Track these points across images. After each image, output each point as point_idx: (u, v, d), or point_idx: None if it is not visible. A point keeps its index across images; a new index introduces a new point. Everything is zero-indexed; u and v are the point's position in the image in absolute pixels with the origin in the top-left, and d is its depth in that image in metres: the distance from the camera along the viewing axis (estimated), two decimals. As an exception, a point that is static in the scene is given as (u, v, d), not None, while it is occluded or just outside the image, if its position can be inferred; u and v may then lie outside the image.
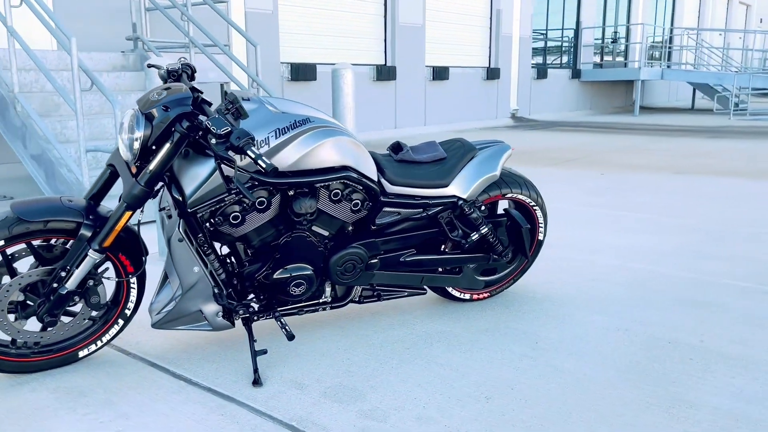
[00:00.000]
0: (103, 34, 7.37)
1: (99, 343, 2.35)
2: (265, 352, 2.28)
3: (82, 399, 2.11)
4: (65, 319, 2.41)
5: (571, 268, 3.50)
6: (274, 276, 2.37)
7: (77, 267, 2.12)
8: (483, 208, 2.77)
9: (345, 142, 2.35)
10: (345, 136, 2.36)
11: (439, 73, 12.86)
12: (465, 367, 2.34)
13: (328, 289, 2.55)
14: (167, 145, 2.06)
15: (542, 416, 2.01)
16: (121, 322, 2.37)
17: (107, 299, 2.30)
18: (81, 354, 2.33)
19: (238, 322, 2.68)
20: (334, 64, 10.71)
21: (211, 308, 2.31)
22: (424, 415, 2.02)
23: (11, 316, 2.19)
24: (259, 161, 1.92)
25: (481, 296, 2.97)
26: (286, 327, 2.29)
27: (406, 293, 2.73)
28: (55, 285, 2.12)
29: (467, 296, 2.94)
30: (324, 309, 2.56)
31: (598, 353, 2.46)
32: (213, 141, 1.97)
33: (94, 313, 2.30)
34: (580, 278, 3.33)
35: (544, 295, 3.08)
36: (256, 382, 2.20)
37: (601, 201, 5.32)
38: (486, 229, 2.69)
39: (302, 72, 9.97)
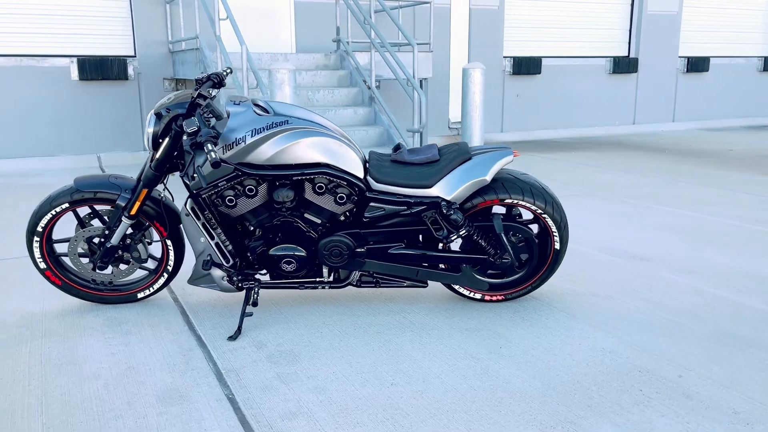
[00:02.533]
0: (320, 36, 8.43)
1: (151, 290, 3.05)
2: (251, 314, 2.75)
3: (116, 326, 2.81)
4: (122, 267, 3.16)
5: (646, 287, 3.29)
6: (269, 253, 2.81)
7: (116, 228, 2.83)
8: (479, 210, 2.84)
9: (322, 142, 2.67)
10: (323, 137, 2.68)
11: (696, 64, 11.68)
12: (408, 358, 2.51)
13: (325, 271, 2.90)
14: (167, 139, 2.64)
15: (430, 411, 2.14)
16: (165, 275, 3.04)
17: (147, 255, 2.97)
18: (139, 295, 3.06)
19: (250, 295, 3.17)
20: (562, 57, 10.50)
21: (218, 272, 2.85)
22: (324, 387, 2.29)
23: (84, 260, 2.99)
24: (209, 154, 2.38)
25: (494, 298, 3.02)
26: (256, 296, 2.74)
27: (405, 284, 2.94)
28: (103, 240, 2.86)
29: (478, 296, 3.02)
30: (324, 288, 2.92)
31: (553, 369, 2.41)
32: (185, 137, 2.49)
33: (142, 265, 3.00)
34: (631, 296, 3.14)
35: (566, 306, 3.00)
36: (231, 337, 2.68)
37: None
38: (465, 231, 2.77)
39: (525, 66, 10.00)
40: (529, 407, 2.15)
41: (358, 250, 2.82)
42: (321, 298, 3.14)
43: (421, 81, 8.00)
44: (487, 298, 3.03)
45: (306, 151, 2.66)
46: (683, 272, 3.50)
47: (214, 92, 2.89)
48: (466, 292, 3.02)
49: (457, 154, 2.79)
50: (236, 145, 2.60)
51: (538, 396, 2.22)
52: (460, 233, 2.77)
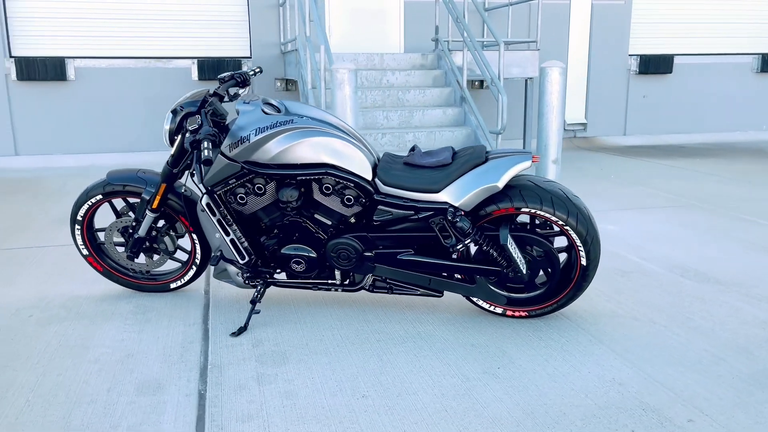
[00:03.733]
0: (427, 36, 8.34)
1: (182, 281, 3.18)
2: (258, 312, 2.78)
3: (140, 314, 2.95)
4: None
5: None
6: (280, 252, 2.82)
7: (143, 220, 2.97)
8: (494, 219, 2.64)
9: (326, 142, 2.62)
10: (328, 137, 2.63)
11: None
12: (395, 370, 2.40)
13: (338, 273, 2.85)
14: (180, 136, 2.72)
15: (386, 428, 2.03)
16: (194, 268, 3.14)
17: (174, 247, 3.08)
18: (172, 286, 3.19)
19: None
20: (697, 54, 9.62)
21: (232, 269, 2.90)
22: (294, 392, 2.24)
23: (120, 249, 3.17)
24: (203, 152, 2.42)
25: (516, 314, 2.81)
26: (258, 295, 2.75)
27: (418, 292, 2.82)
28: (131, 231, 3.01)
29: (499, 310, 2.83)
30: (336, 290, 2.88)
31: (544, 397, 2.20)
32: (187, 134, 2.55)
33: (174, 257, 3.12)
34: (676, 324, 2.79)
35: (595, 328, 2.72)
36: (234, 333, 2.71)
37: None
38: (471, 240, 2.59)
39: (653, 64, 9.30)
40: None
41: (366, 254, 2.74)
42: (338, 301, 3.09)
43: (526, 80, 7.68)
44: (509, 313, 2.82)
45: (309, 150, 2.62)
46: (755, 300, 3.04)
47: (239, 91, 2.93)
48: (486, 306, 2.84)
49: (470, 158, 2.62)
50: (241, 143, 2.62)
51: (509, 425, 2.03)
52: (466, 242, 2.60)
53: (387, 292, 2.84)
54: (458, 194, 2.58)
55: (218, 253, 2.84)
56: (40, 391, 2.26)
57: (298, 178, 2.66)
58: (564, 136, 9.33)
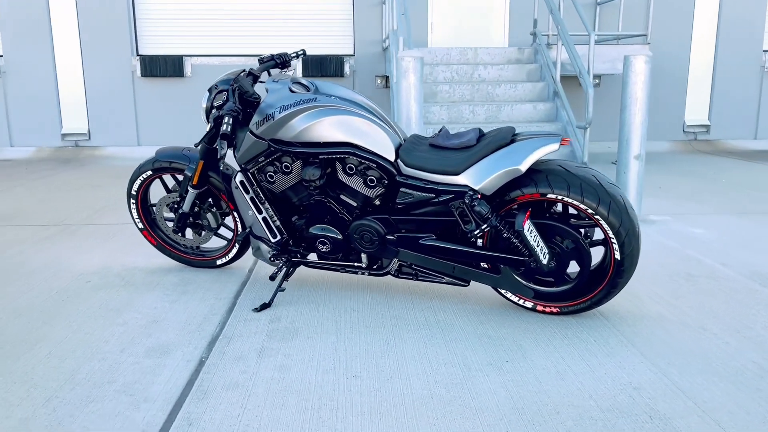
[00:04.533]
0: (529, 31, 8.05)
1: (227, 258, 3.28)
2: (283, 290, 2.81)
3: (182, 286, 3.08)
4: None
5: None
6: (308, 231, 2.83)
7: (186, 196, 3.09)
8: (519, 205, 2.49)
9: (348, 121, 2.59)
10: (350, 116, 2.60)
11: None
12: (398, 355, 2.32)
13: (364, 256, 2.82)
14: (213, 113, 2.81)
15: (363, 409, 1.97)
16: (237, 245, 3.23)
17: (217, 224, 3.18)
18: (218, 262, 3.31)
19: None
20: None
21: (264, 246, 2.95)
22: (287, 367, 2.24)
23: (170, 224, 3.32)
24: (223, 126, 2.48)
25: (547, 309, 2.64)
26: (286, 275, 2.77)
27: (444, 280, 2.72)
28: (176, 207, 3.15)
29: (529, 305, 2.66)
30: (363, 273, 2.85)
31: (542, 394, 2.04)
32: (213, 110, 2.63)
33: (223, 234, 3.23)
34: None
35: (630, 330, 2.49)
36: (256, 309, 2.75)
37: None
38: (487, 226, 2.44)
39: (791, 61, 8.41)
40: (470, 426, 1.84)
41: (388, 237, 2.68)
42: (368, 286, 3.05)
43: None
44: (539, 308, 2.65)
45: (330, 129, 2.61)
46: (838, 313, 2.64)
47: (286, 72, 2.98)
48: (515, 299, 2.68)
49: (494, 140, 2.49)
50: (267, 120, 2.66)
51: (491, 417, 1.89)
52: (483, 227, 2.47)
53: (413, 279, 2.76)
54: (478, 177, 2.46)
55: (247, 230, 2.90)
56: (64, 346, 2.42)
57: (321, 157, 2.65)
58: (682, 138, 8.66)
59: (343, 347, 2.39)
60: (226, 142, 2.48)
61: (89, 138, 8.38)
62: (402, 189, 2.61)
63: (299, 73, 8.29)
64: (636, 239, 2.43)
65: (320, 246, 2.81)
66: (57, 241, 3.90)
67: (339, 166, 2.70)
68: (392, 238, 2.68)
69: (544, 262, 2.45)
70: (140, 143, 8.42)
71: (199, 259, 3.32)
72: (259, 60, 2.93)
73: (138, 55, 8.30)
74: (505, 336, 2.47)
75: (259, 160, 2.77)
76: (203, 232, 3.28)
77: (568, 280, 2.58)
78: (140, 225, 3.32)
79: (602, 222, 2.41)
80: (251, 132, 2.72)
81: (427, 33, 8.25)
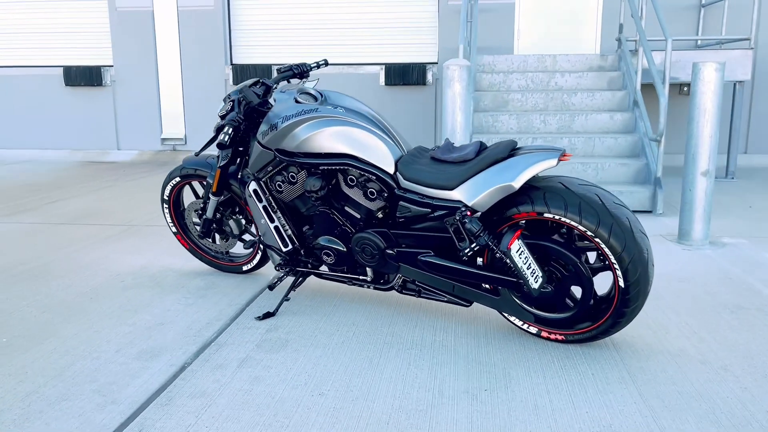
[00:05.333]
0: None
1: (251, 265, 3.33)
2: (288, 299, 2.82)
3: (204, 290, 3.16)
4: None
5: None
6: (315, 242, 2.82)
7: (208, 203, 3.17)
8: (515, 223, 2.33)
9: (347, 132, 2.55)
10: (349, 127, 2.55)
11: None
12: (376, 376, 2.24)
13: (369, 270, 2.76)
14: (218, 122, 2.86)
15: (316, 428, 1.93)
16: (260, 253, 3.28)
17: (239, 230, 3.23)
18: (244, 268, 3.37)
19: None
20: None
21: (276, 256, 2.97)
22: (260, 378, 2.23)
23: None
24: (219, 136, 2.52)
25: (552, 336, 2.46)
26: (294, 286, 2.77)
27: (445, 298, 2.62)
28: (201, 213, 3.24)
29: (533, 330, 2.50)
30: (369, 287, 2.79)
31: (497, 429, 1.90)
32: (219, 120, 2.67)
33: (240, 238, 3.28)
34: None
35: (638, 366, 2.27)
36: (260, 316, 2.77)
37: None
38: (477, 245, 2.30)
39: None
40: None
41: (388, 251, 2.61)
42: (379, 301, 2.98)
43: (735, 84, 6.64)
44: (543, 334, 2.47)
45: (330, 140, 2.57)
46: None
47: (306, 82, 3.00)
48: (519, 323, 2.52)
49: (490, 154, 2.35)
50: (271, 130, 2.67)
51: (438, 451, 1.78)
52: (472, 246, 2.34)
53: (415, 295, 2.67)
54: (472, 193, 2.33)
55: (255, 239, 2.92)
56: (69, 343, 2.54)
57: (321, 167, 2.62)
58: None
59: (324, 363, 2.34)
60: (228, 150, 2.51)
61: (185, 143, 8.85)
62: (400, 203, 2.53)
63: (382, 81, 8.33)
64: (643, 266, 2.21)
65: (325, 257, 2.78)
66: (115, 240, 4.14)
67: (341, 178, 2.66)
68: (392, 252, 2.60)
69: (534, 286, 2.28)
70: (230, 148, 8.78)
71: (227, 264, 3.39)
72: (277, 70, 2.96)
73: (232, 64, 8.68)
74: (496, 362, 2.32)
75: (268, 169, 2.78)
76: (229, 238, 3.35)
77: (569, 307, 2.39)
78: (173, 229, 3.44)
79: (602, 245, 2.21)
80: (258, 141, 2.74)
81: (513, 40, 8.03)
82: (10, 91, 9.00)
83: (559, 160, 2.25)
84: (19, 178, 6.93)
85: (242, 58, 8.69)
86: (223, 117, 2.73)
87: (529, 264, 2.27)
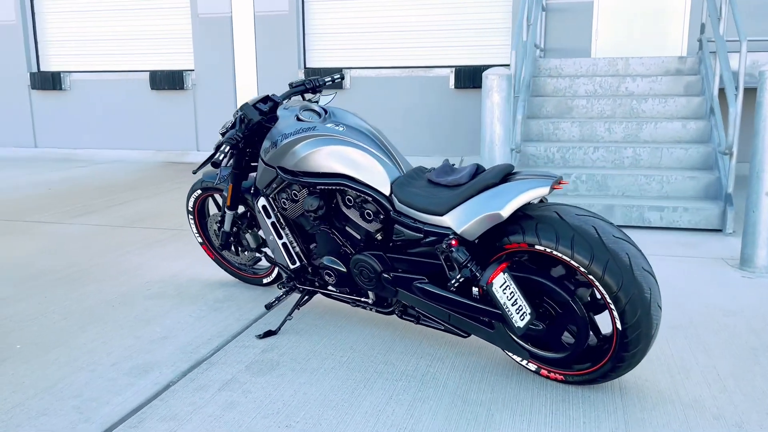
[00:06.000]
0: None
1: (270, 278, 3.32)
2: (290, 318, 2.78)
3: (220, 303, 3.18)
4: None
5: None
6: (318, 261, 2.76)
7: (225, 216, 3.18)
8: (507, 255, 2.16)
9: (343, 152, 2.46)
10: (346, 146, 2.46)
11: None
12: (351, 409, 2.16)
13: (371, 293, 2.68)
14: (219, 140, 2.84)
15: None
16: (277, 269, 3.26)
17: (256, 244, 3.22)
18: (264, 281, 3.37)
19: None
20: None
21: (283, 272, 2.93)
22: (234, 404, 2.19)
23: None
24: (219, 154, 2.51)
25: (551, 375, 2.28)
26: (299, 305, 2.73)
27: (442, 327, 2.49)
28: (219, 225, 3.25)
29: (533, 367, 2.32)
30: (371, 310, 2.70)
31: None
32: (219, 137, 2.66)
33: (258, 251, 3.28)
34: None
35: (640, 416, 2.05)
36: (260, 335, 2.75)
37: None
38: (461, 276, 2.14)
39: None
40: None
41: (384, 275, 2.51)
42: (385, 324, 2.88)
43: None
44: (543, 372, 2.29)
45: (327, 159, 2.50)
46: None
47: (316, 97, 2.95)
48: (518, 359, 2.36)
49: (483, 179, 2.20)
50: (272, 148, 2.64)
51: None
52: (457, 277, 2.19)
53: (414, 322, 2.56)
54: (462, 220, 2.19)
55: (260, 255, 2.89)
56: (73, 353, 2.61)
57: (318, 187, 2.56)
58: None
59: (305, 390, 2.28)
60: (215, 168, 2.50)
61: (259, 145, 9.06)
62: (395, 226, 2.43)
63: (451, 84, 8.16)
64: (644, 308, 1.99)
65: (327, 277, 2.71)
66: (161, 245, 4.26)
67: (339, 198, 2.58)
68: (388, 276, 2.50)
69: (519, 324, 2.10)
70: (301, 151, 8.90)
71: (249, 276, 3.40)
72: (289, 85, 2.92)
73: (305, 67, 8.79)
74: (482, 402, 2.17)
75: (273, 186, 2.75)
76: (247, 251, 3.35)
77: (565, 347, 2.19)
78: (199, 239, 3.49)
79: (597, 283, 2.01)
80: (261, 158, 2.71)
81: (590, 42, 7.64)
82: (102, 95, 9.55)
83: (553, 188, 2.07)
84: (101, 178, 7.32)
85: (315, 61, 8.78)
86: (224, 135, 2.72)
87: (515, 300, 2.10)
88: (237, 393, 2.27)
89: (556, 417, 2.07)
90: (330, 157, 2.49)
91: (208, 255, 3.50)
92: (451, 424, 2.03)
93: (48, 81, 9.68)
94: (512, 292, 2.09)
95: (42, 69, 9.91)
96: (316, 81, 2.93)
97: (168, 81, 9.11)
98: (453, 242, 2.18)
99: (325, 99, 3.00)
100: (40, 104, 9.89)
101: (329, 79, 2.98)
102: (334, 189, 2.57)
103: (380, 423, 2.05)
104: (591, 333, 2.23)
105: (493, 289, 2.08)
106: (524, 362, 2.33)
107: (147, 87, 9.32)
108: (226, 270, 3.47)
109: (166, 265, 3.80)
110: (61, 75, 9.62)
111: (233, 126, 2.73)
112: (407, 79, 8.33)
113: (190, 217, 3.43)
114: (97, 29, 9.55)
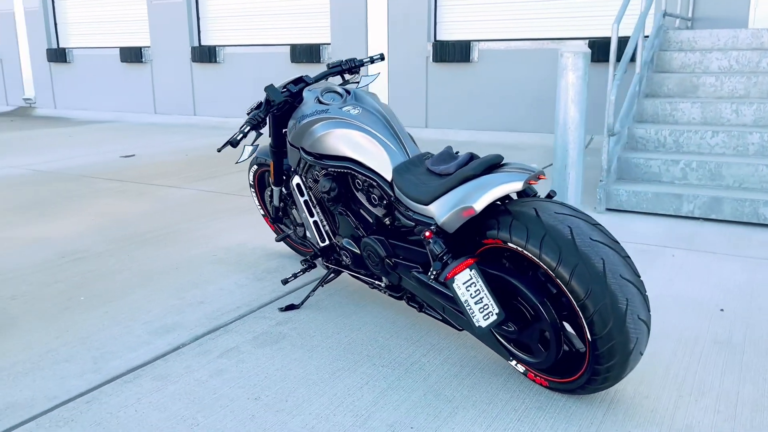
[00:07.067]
0: None
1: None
2: (313, 294, 2.88)
3: (267, 273, 3.35)
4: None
5: None
6: (340, 241, 2.81)
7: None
8: (488, 251, 2.05)
9: (350, 135, 2.46)
10: (354, 130, 2.46)
11: None
12: (325, 387, 2.20)
13: (384, 277, 2.68)
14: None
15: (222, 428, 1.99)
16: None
17: (300, 219, 3.32)
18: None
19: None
20: None
21: (314, 249, 3.02)
22: (222, 372, 2.32)
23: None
24: (234, 134, 2.63)
25: (537, 379, 2.15)
26: (323, 282, 2.82)
27: (440, 317, 2.44)
28: (270, 200, 3.39)
29: (521, 369, 2.21)
30: (384, 292, 2.71)
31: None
32: (246, 117, 2.77)
33: (302, 228, 3.38)
34: None
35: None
36: (282, 308, 2.86)
37: None
38: (433, 269, 2.06)
39: None
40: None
41: (386, 260, 2.50)
42: (403, 308, 2.86)
43: None
44: (530, 376, 2.17)
45: (336, 141, 2.52)
46: None
47: (353, 78, 2.97)
48: (511, 360, 2.25)
49: (466, 170, 2.09)
50: (293, 128, 2.70)
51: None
52: (431, 270, 2.11)
53: (417, 309, 2.52)
54: (442, 211, 2.11)
55: (290, 231, 2.99)
56: (122, 308, 2.91)
57: (329, 169, 2.59)
58: None
59: (292, 367, 2.36)
60: (252, 147, 2.63)
61: (387, 118, 9.19)
62: (395, 212, 2.40)
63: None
64: (618, 319, 1.80)
65: (344, 258, 2.75)
66: (248, 214, 4.54)
67: (350, 181, 2.60)
68: (389, 262, 2.48)
69: (479, 324, 1.99)
70: (427, 125, 8.91)
71: (302, 249, 3.53)
72: (327, 65, 2.95)
73: (436, 40, 8.73)
74: (453, 399, 2.11)
75: (300, 165, 2.83)
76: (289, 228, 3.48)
77: (542, 351, 2.05)
78: (261, 212, 3.67)
79: (564, 287, 1.85)
80: (287, 138, 2.79)
81: (748, 9, 6.79)
82: (251, 67, 10.20)
83: (529, 183, 1.92)
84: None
85: (445, 34, 8.68)
86: (248, 113, 2.83)
87: (481, 298, 1.99)
88: (231, 362, 2.40)
89: (521, 423, 1.96)
90: (339, 140, 2.51)
91: (270, 227, 3.67)
92: (409, 417, 2.01)
93: (206, 54, 10.52)
94: (478, 290, 1.99)
95: (202, 43, 10.78)
96: (352, 62, 2.94)
97: (306, 54, 9.50)
98: (427, 233, 2.11)
99: (366, 80, 3.00)
100: (199, 76, 10.79)
101: (367, 59, 2.97)
102: (343, 172, 2.58)
103: (342, 407, 2.08)
104: (578, 341, 2.06)
105: (454, 285, 1.99)
106: (514, 363, 2.22)
107: (287, 60, 9.80)
108: (285, 242, 3.63)
109: (239, 234, 4.05)
110: (217, 49, 10.41)
111: (258, 106, 2.82)
112: (538, 51, 7.97)
113: (252, 190, 3.62)
114: (247, 5, 10.17)
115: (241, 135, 2.64)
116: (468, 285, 1.99)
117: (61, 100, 12.79)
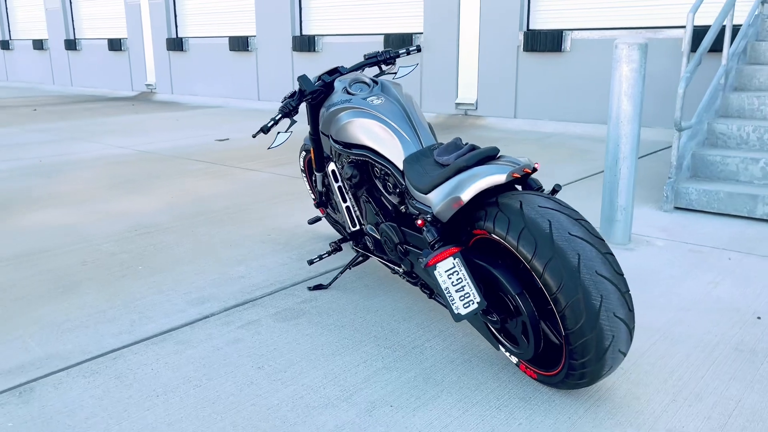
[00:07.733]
0: None
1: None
2: (340, 276, 3.01)
3: (309, 255, 3.52)
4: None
5: None
6: (365, 227, 2.92)
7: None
8: (478, 241, 2.08)
9: (369, 125, 2.55)
10: (372, 120, 2.54)
11: None
12: (317, 367, 2.33)
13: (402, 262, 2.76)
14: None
15: (224, 410, 2.16)
16: (357, 225, 3.47)
17: (344, 205, 3.44)
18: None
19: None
20: None
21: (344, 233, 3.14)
22: (238, 340, 2.51)
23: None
24: (267, 122, 2.79)
25: (527, 371, 2.16)
26: (352, 264, 2.93)
27: (444, 303, 2.49)
28: (315, 185, 3.54)
29: (514, 360, 2.23)
30: (402, 277, 2.80)
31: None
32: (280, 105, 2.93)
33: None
34: None
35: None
36: (311, 287, 3.01)
37: None
38: (422, 256, 2.10)
39: None
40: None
41: (399, 247, 2.58)
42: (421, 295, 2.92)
43: None
44: (521, 367, 2.19)
45: (355, 130, 2.62)
46: None
47: (391, 69, 3.05)
48: (503, 349, 2.27)
49: (460, 162, 2.12)
50: (323, 117, 2.83)
51: (263, 447, 1.85)
52: (421, 258, 2.16)
53: (428, 296, 2.59)
54: (437, 201, 2.16)
55: (319, 217, 3.12)
56: (169, 279, 3.17)
57: (351, 157, 2.69)
58: None
59: (301, 341, 2.50)
60: (285, 134, 2.79)
61: (476, 108, 9.15)
62: (406, 200, 2.47)
63: (684, 46, 7.25)
64: (591, 316, 1.78)
65: (368, 243, 2.86)
66: (305, 198, 4.75)
67: (370, 169, 2.69)
68: (401, 248, 2.56)
69: (459, 311, 2.02)
70: (516, 116, 8.78)
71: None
72: (364, 56, 3.05)
73: (527, 29, 8.57)
74: (441, 383, 2.17)
75: (332, 153, 2.95)
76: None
77: (524, 341, 2.05)
78: (312, 196, 3.84)
79: (537, 279, 1.85)
80: (319, 127, 2.92)
81: None
82: (344, 55, 10.46)
83: (513, 176, 1.94)
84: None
85: (538, 23, 8.50)
86: (282, 101, 2.98)
87: (463, 287, 2.02)
88: (249, 333, 2.58)
89: (499, 411, 1.99)
90: (358, 129, 2.61)
91: (320, 211, 3.84)
92: (393, 396, 2.09)
93: (305, 43, 10.90)
94: (460, 278, 2.03)
95: (303, 33, 11.17)
96: (388, 53, 3.02)
97: (398, 43, 9.61)
98: (419, 222, 2.17)
99: (404, 70, 3.08)
100: (299, 64, 11.20)
101: (404, 50, 3.04)
102: (363, 160, 2.67)
103: (333, 382, 2.19)
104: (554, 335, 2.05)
105: (435, 272, 2.04)
106: (507, 353, 2.23)
107: (381, 49, 9.95)
108: (333, 226, 3.78)
109: (298, 216, 4.25)
110: (316, 38, 10.75)
111: (291, 96, 2.96)
112: (632, 41, 7.61)
113: (303, 175, 3.79)
114: (344, -5, 10.42)
115: (272, 122, 2.80)
116: (450, 273, 2.04)
117: (178, 86, 13.70)
